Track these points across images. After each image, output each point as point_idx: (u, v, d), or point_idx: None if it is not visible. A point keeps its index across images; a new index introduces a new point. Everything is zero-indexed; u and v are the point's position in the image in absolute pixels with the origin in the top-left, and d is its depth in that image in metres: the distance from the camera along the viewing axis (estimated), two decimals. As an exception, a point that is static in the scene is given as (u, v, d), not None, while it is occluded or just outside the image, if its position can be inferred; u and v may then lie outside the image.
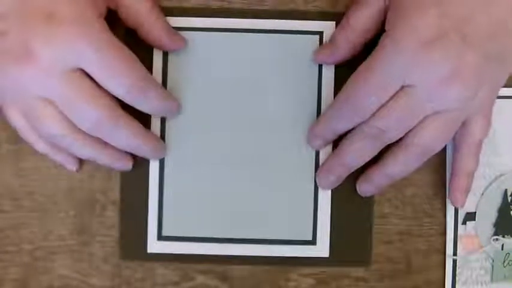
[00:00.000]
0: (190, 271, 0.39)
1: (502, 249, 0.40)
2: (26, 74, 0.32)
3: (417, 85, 0.32)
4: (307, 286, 0.39)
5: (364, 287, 0.40)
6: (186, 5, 0.38)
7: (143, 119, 0.36)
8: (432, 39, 0.31)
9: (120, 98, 0.34)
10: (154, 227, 0.39)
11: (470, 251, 0.40)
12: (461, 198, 0.38)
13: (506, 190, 0.40)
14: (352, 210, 0.39)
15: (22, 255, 0.39)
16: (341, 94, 0.35)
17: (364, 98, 0.34)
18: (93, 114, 0.33)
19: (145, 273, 0.39)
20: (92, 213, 0.39)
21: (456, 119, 0.34)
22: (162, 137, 0.38)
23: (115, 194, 0.39)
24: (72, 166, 0.38)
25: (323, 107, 0.38)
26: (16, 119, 0.35)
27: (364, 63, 0.34)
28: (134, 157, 0.37)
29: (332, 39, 0.37)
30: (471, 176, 0.37)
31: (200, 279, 0.39)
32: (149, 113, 0.37)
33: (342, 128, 0.36)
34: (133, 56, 0.34)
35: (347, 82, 0.35)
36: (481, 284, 0.40)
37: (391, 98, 0.33)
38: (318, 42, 0.38)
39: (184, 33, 0.38)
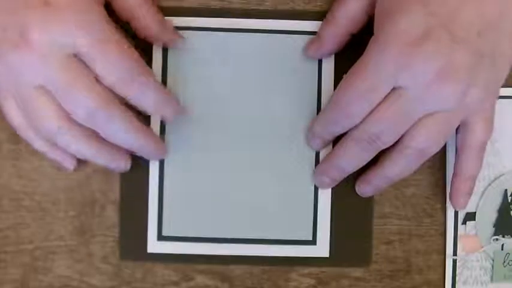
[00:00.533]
0: (190, 271, 0.39)
1: (502, 249, 0.40)
2: (22, 60, 0.32)
3: (408, 86, 0.32)
4: (307, 286, 0.39)
5: (364, 287, 0.40)
6: (186, 5, 0.38)
7: (143, 121, 0.36)
8: (419, 38, 0.31)
9: (114, 88, 0.33)
10: (154, 227, 0.39)
11: (470, 251, 0.40)
12: (463, 202, 0.37)
13: (506, 190, 0.40)
14: (352, 210, 0.39)
15: (22, 255, 0.39)
16: (332, 98, 0.35)
17: (353, 103, 0.33)
18: (87, 102, 0.32)
19: (145, 273, 0.39)
20: (92, 213, 0.39)
21: (451, 119, 0.34)
22: (162, 136, 0.38)
23: (115, 194, 0.39)
24: (69, 165, 0.37)
25: (323, 107, 0.38)
26: (13, 114, 0.35)
27: (353, 67, 0.34)
28: (133, 158, 0.37)
29: (318, 33, 0.37)
30: (473, 179, 0.37)
31: (200, 279, 0.39)
32: (147, 109, 0.35)
33: (337, 131, 0.36)
34: (131, 46, 0.34)
35: (338, 86, 0.35)
36: (481, 284, 0.40)
37: (383, 100, 0.33)
38: (318, 42, 0.38)
39: (184, 33, 0.38)
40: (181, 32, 0.38)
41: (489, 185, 0.40)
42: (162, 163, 0.38)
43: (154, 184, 0.38)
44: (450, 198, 0.38)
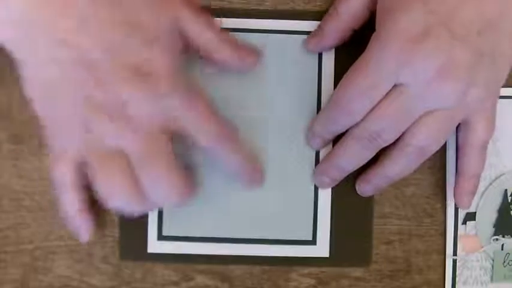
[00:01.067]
0: (190, 271, 0.39)
1: (502, 249, 0.40)
2: (115, 129, 0.31)
3: (409, 83, 0.32)
4: (307, 286, 0.39)
5: (364, 287, 0.40)
6: (186, 5, 0.38)
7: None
8: (419, 35, 0.31)
9: (205, 149, 0.34)
10: (154, 227, 0.39)
11: (470, 251, 0.40)
12: (467, 201, 0.37)
13: (506, 190, 0.40)
14: (352, 210, 0.39)
15: (22, 255, 0.39)
16: (332, 97, 0.35)
17: (355, 100, 0.33)
18: (165, 185, 0.32)
19: (145, 273, 0.39)
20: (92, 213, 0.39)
21: (451, 118, 0.34)
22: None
23: (115, 194, 0.39)
24: (85, 235, 0.36)
25: (323, 107, 0.38)
26: (64, 171, 0.33)
27: (354, 64, 0.34)
28: None
29: (320, 27, 0.37)
30: (476, 178, 0.37)
31: (200, 279, 0.39)
32: (229, 171, 0.36)
33: (338, 130, 0.36)
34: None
35: (338, 84, 0.35)
36: (481, 284, 0.40)
37: (384, 97, 0.33)
38: (318, 42, 0.38)
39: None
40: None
41: (489, 184, 0.40)
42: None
43: (154, 184, 0.38)
44: (454, 198, 0.38)
